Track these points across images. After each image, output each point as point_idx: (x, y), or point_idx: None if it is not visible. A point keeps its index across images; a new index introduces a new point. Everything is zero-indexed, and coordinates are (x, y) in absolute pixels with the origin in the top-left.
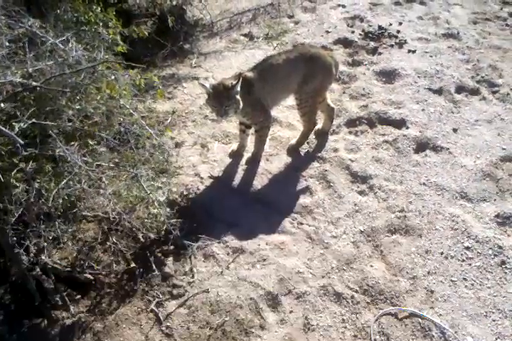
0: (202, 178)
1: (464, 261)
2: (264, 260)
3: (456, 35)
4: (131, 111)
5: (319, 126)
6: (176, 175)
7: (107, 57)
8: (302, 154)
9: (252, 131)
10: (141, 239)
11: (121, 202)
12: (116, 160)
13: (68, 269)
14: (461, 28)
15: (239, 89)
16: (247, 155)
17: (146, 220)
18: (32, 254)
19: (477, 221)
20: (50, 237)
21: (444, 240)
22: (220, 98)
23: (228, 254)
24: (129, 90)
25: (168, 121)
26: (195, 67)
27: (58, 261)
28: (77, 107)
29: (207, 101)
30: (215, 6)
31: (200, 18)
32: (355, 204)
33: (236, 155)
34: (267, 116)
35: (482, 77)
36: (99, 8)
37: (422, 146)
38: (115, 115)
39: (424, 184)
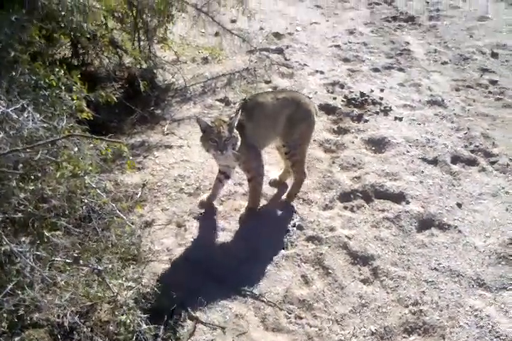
0: (178, 265)
1: None
2: None
3: (440, 102)
4: (99, 192)
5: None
6: (147, 262)
7: (71, 125)
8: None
9: (229, 181)
10: None
11: (78, 303)
12: (76, 255)
13: None
14: (445, 95)
15: (236, 123)
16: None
17: (110, 327)
18: None
19: (503, 315)
20: None
21: None
22: (219, 131)
23: None
24: (96, 165)
25: (138, 196)
26: (167, 134)
27: None
28: (30, 188)
29: (202, 138)
30: (187, 70)
31: (172, 82)
32: (361, 297)
33: (205, 206)
34: (259, 162)
35: (476, 146)
36: (63, 71)
37: (426, 224)
38: (78, 196)
39: (435, 269)
